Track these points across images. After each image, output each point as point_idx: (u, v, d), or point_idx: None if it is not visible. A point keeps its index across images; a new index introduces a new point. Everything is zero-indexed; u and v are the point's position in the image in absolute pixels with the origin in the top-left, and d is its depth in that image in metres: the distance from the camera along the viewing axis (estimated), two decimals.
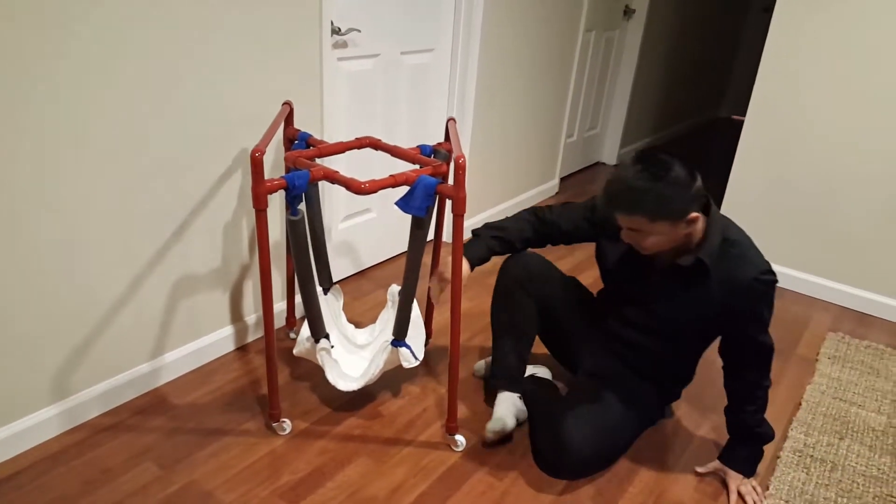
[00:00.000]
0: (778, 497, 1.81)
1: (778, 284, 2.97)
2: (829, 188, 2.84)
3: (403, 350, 1.87)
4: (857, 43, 2.63)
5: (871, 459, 1.99)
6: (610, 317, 1.93)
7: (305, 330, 1.94)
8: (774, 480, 1.87)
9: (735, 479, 1.82)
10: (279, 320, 2.41)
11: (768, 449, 1.99)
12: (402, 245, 3.06)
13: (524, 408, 1.96)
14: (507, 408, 1.90)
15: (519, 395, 1.95)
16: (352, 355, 2.05)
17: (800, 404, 2.22)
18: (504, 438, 1.93)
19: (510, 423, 1.87)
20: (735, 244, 1.64)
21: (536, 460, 1.87)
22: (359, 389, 2.02)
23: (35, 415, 1.79)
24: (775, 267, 3.06)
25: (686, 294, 1.72)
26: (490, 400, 2.08)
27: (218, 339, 2.22)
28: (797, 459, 1.96)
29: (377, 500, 1.71)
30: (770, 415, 2.14)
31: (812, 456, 1.98)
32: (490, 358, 2.07)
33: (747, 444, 1.82)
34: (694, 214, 1.56)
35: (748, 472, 1.83)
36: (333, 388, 2.09)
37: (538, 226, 1.93)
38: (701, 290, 1.68)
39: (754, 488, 1.81)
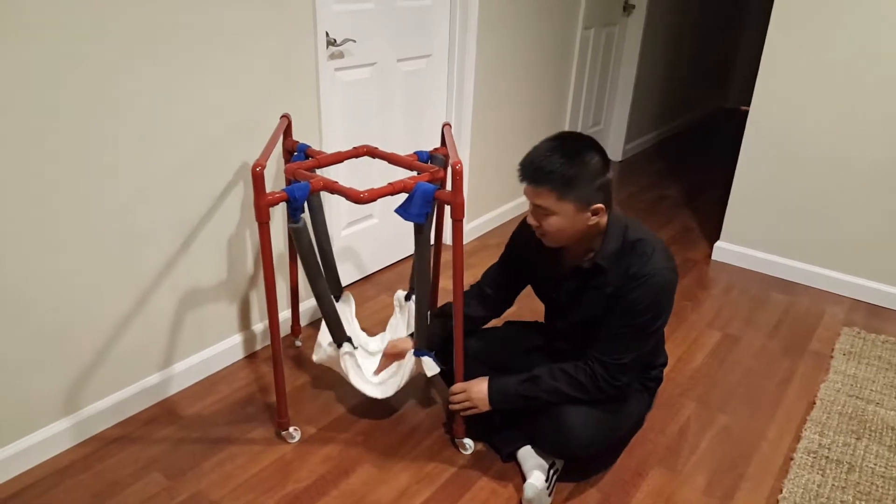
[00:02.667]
0: (792, 500, 1.77)
1: (787, 279, 2.99)
2: (837, 178, 2.80)
3: (426, 359, 1.86)
4: (857, 28, 2.59)
5: (891, 460, 1.93)
6: (551, 335, 1.94)
7: (323, 336, 1.93)
8: (788, 483, 1.83)
9: (474, 386, 1.78)
10: (284, 329, 2.42)
11: (781, 450, 1.96)
12: (404, 249, 3.06)
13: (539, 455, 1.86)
14: (534, 465, 1.79)
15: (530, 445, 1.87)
16: (366, 361, 2.05)
17: (814, 403, 2.18)
18: None
19: (542, 484, 1.75)
20: (639, 243, 1.65)
21: (536, 441, 1.83)
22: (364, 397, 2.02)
23: (46, 429, 1.81)
24: (785, 260, 3.02)
25: (588, 294, 1.73)
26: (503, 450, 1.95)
27: (225, 349, 2.23)
28: (812, 461, 1.92)
29: None
30: (782, 414, 2.13)
31: (827, 457, 1.94)
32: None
33: (519, 382, 1.74)
34: (598, 206, 1.58)
35: (492, 399, 1.76)
36: (338, 395, 2.09)
37: (480, 298, 1.96)
38: (600, 289, 1.69)
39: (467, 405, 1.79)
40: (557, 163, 1.54)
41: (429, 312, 1.88)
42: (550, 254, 1.78)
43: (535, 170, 1.57)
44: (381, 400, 1.94)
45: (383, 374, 1.97)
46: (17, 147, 1.56)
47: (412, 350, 1.87)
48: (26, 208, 1.61)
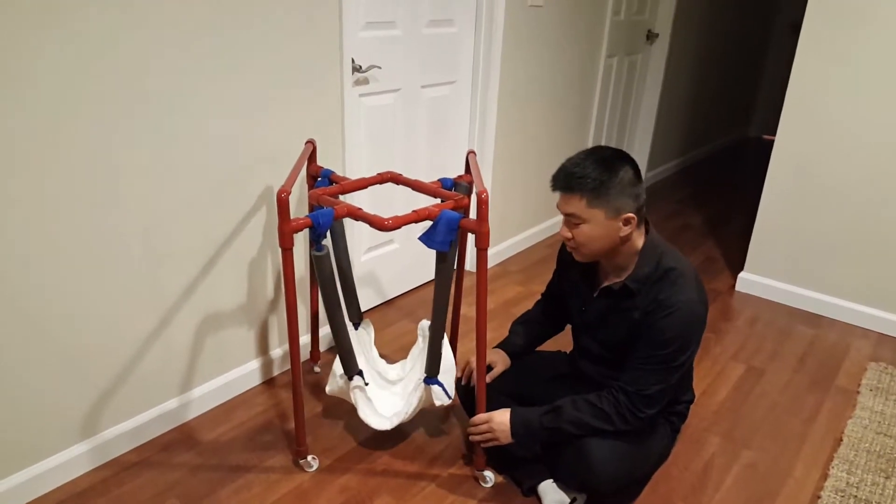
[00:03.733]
0: None
1: (812, 311, 2.94)
2: (863, 209, 2.76)
3: (436, 388, 1.85)
4: (886, 58, 2.56)
5: None
6: (578, 357, 1.92)
7: (338, 366, 1.92)
8: None
9: (496, 417, 1.75)
10: (303, 354, 2.41)
11: (808, 488, 1.91)
12: (425, 274, 3.05)
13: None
14: (554, 499, 1.79)
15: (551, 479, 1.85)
16: (383, 391, 2.02)
17: (841, 440, 2.13)
18: None
19: None
20: (672, 272, 1.63)
21: (557, 474, 1.80)
22: None
23: (64, 452, 1.81)
24: (810, 293, 2.98)
25: (615, 316, 1.72)
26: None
27: (244, 374, 2.23)
28: (840, 500, 1.87)
29: None
30: (809, 451, 2.07)
31: (856, 496, 1.89)
32: None
33: (542, 414, 1.71)
34: (629, 215, 1.58)
35: (515, 431, 1.73)
36: (356, 424, 2.07)
37: (544, 308, 2.04)
38: (628, 312, 1.68)
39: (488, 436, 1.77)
40: (589, 168, 1.56)
41: (445, 340, 1.87)
42: (585, 271, 1.79)
43: (566, 176, 1.58)
44: (398, 428, 1.92)
45: (393, 407, 1.95)
46: (41, 169, 1.57)
47: (422, 378, 1.85)
48: (49, 229, 1.62)
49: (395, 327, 2.68)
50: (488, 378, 1.88)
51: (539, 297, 2.11)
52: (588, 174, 1.55)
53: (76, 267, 1.70)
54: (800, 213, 2.92)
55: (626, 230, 1.60)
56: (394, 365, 2.16)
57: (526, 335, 2.02)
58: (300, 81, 2.09)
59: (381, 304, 2.87)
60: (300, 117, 2.13)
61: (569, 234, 1.65)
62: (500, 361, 1.95)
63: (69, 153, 1.60)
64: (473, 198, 2.19)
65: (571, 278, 1.86)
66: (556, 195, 1.63)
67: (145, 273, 1.85)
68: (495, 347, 2.01)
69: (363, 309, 2.77)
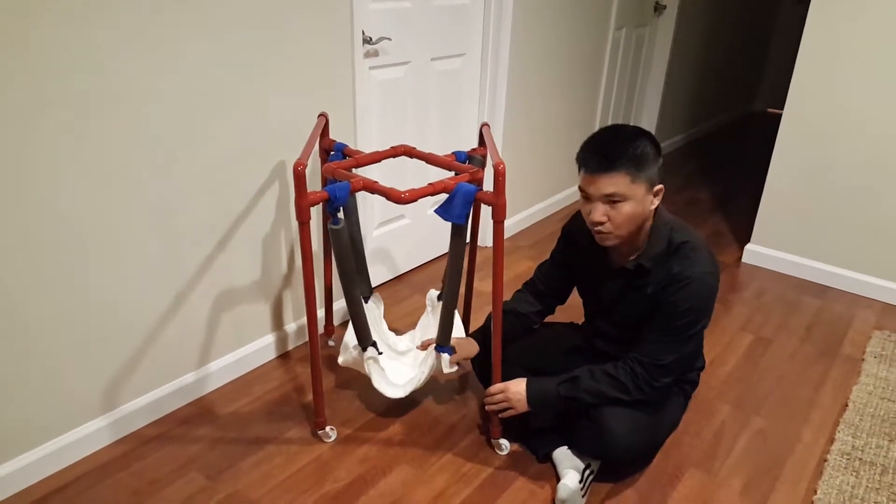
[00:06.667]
0: (826, 501, 1.77)
1: (818, 282, 2.96)
2: (870, 181, 2.77)
3: (445, 356, 1.87)
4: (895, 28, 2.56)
5: None
6: (592, 336, 1.93)
7: (350, 338, 1.94)
8: (822, 484, 1.83)
9: (513, 387, 1.78)
10: (318, 328, 2.43)
11: (815, 453, 1.95)
12: (437, 249, 3.07)
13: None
14: (569, 465, 1.80)
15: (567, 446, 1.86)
16: (393, 361, 2.05)
17: (846, 405, 2.17)
18: None
19: (576, 485, 1.75)
20: (684, 246, 1.64)
21: (572, 442, 1.83)
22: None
23: (85, 426, 1.84)
24: (817, 263, 3.00)
25: (630, 295, 1.73)
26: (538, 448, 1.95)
27: (260, 348, 2.25)
28: (846, 462, 1.92)
29: None
30: (816, 417, 2.11)
31: (861, 459, 1.94)
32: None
33: (559, 383, 1.74)
34: (660, 186, 1.60)
35: (532, 400, 1.77)
36: (373, 395, 2.10)
37: (535, 292, 1.99)
38: (643, 289, 1.69)
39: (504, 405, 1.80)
40: (626, 145, 1.54)
41: (456, 311, 1.88)
42: (597, 252, 1.78)
43: (605, 156, 1.54)
44: (413, 400, 1.94)
45: (405, 376, 1.98)
46: (59, 146, 1.58)
47: (434, 345, 1.88)
48: (66, 209, 1.64)
49: (407, 303, 2.70)
50: (447, 367, 1.89)
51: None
52: (628, 151, 1.53)
53: (95, 245, 1.71)
54: (807, 185, 2.93)
55: (656, 203, 1.61)
56: (403, 336, 2.19)
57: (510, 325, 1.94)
58: (311, 54, 2.08)
59: (392, 279, 2.89)
60: (311, 91, 2.12)
61: (604, 219, 1.58)
62: (464, 348, 1.94)
63: (86, 132, 1.61)
64: (487, 171, 2.20)
65: (582, 261, 1.86)
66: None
67: (162, 250, 1.87)
68: (472, 334, 2.02)
69: (374, 285, 2.79)
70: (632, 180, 1.54)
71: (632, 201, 1.56)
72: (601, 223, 1.59)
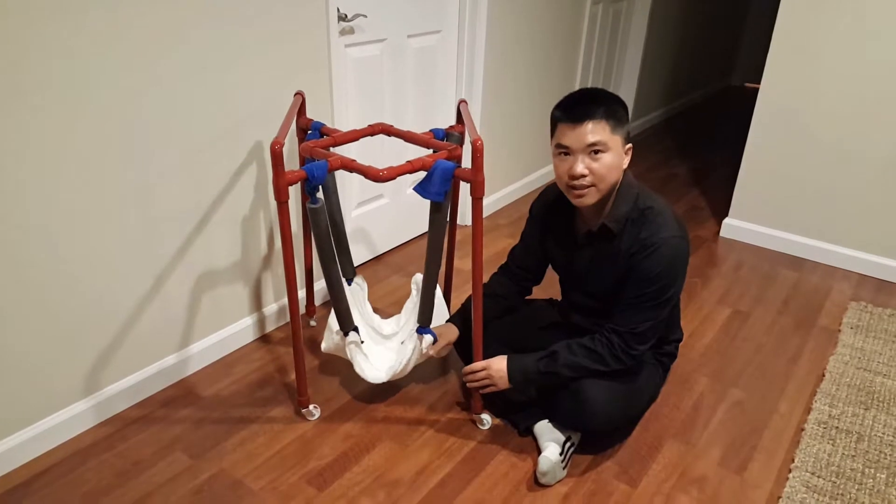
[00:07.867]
0: (804, 469, 1.81)
1: (795, 255, 3.01)
2: (846, 154, 2.80)
3: (427, 337, 1.88)
4: (873, 5, 2.57)
5: None
6: (567, 309, 1.95)
7: (333, 323, 1.94)
8: (799, 452, 1.86)
9: (494, 364, 1.80)
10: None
11: (793, 422, 1.99)
12: (415, 229, 3.07)
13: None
14: (550, 438, 1.81)
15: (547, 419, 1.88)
16: (378, 346, 2.06)
17: (823, 375, 2.21)
18: None
19: (557, 457, 1.76)
20: (649, 211, 1.67)
21: (553, 415, 1.85)
22: None
23: (68, 409, 1.83)
24: (794, 236, 3.04)
25: (602, 264, 1.75)
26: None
27: (241, 329, 2.25)
28: (822, 431, 1.96)
29: (402, 482, 1.74)
30: (793, 388, 2.15)
31: (837, 427, 1.98)
32: None
33: (538, 359, 1.76)
34: (630, 145, 1.65)
35: (513, 377, 1.78)
36: (355, 375, 2.10)
37: (510, 275, 2.01)
38: (611, 255, 1.71)
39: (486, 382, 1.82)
40: (603, 97, 1.59)
41: (438, 291, 1.89)
42: (565, 224, 1.80)
43: (587, 104, 1.58)
44: (394, 381, 1.95)
45: (387, 361, 1.98)
46: (36, 131, 1.55)
47: (416, 328, 1.89)
48: (45, 193, 1.61)
49: (387, 283, 2.71)
50: (433, 350, 1.90)
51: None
52: (605, 100, 1.58)
53: (74, 228, 1.69)
54: (784, 159, 2.96)
55: (626, 161, 1.65)
56: (388, 320, 2.18)
57: (489, 309, 1.96)
58: (285, 31, 2.05)
59: (372, 259, 2.88)
60: (286, 69, 2.10)
61: (585, 171, 1.58)
62: (445, 335, 1.95)
63: (62, 117, 1.58)
64: (465, 148, 2.19)
65: (550, 234, 1.88)
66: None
67: (141, 232, 1.85)
68: (451, 318, 2.03)
69: (355, 265, 2.78)
70: (612, 130, 1.58)
71: (612, 152, 1.59)
72: (583, 175, 1.59)
